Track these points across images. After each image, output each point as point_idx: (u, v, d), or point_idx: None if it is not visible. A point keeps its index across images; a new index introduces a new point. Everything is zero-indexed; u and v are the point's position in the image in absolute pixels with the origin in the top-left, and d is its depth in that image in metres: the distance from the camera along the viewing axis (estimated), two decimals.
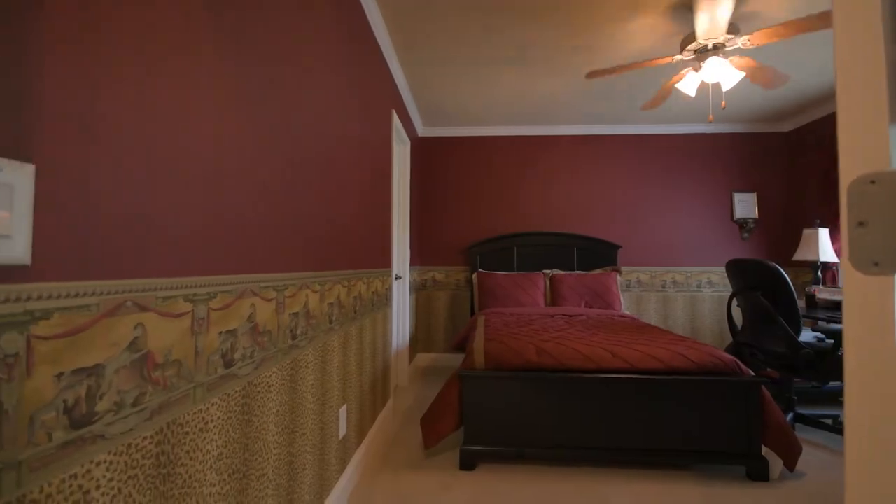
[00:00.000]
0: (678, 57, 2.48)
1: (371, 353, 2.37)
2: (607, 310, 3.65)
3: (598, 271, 3.97)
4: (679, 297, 4.17)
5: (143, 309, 0.72)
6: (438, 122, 4.27)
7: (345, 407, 1.87)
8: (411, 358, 3.99)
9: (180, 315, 0.81)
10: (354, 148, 2.07)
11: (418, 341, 4.33)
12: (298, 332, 1.37)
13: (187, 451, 0.84)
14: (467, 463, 2.13)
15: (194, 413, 0.86)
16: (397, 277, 3.36)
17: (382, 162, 2.70)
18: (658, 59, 2.46)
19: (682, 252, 4.20)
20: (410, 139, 3.75)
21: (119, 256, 0.68)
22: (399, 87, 3.25)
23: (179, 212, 0.82)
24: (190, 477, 0.85)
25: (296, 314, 1.35)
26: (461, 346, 3.53)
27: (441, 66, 3.06)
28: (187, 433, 0.84)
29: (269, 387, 1.18)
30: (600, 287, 3.82)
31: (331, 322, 1.69)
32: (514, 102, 3.71)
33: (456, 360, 4.32)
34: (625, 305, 4.20)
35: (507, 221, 4.35)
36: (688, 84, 2.47)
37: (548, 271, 4.08)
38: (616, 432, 2.12)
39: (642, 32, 2.63)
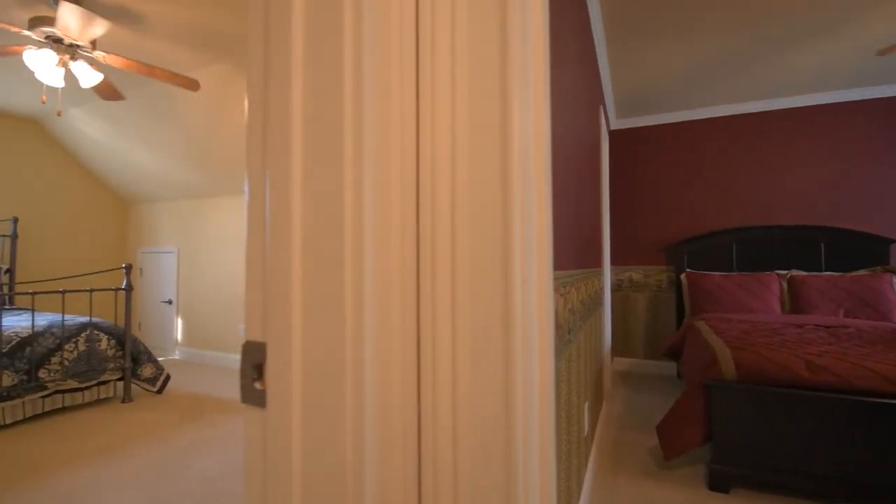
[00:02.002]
0: None
1: (594, 353, 2.34)
2: (884, 321, 2.87)
3: (861, 272, 3.16)
4: None
5: (555, 290, 0.86)
6: (634, 113, 4.00)
7: (587, 403, 1.88)
8: (610, 362, 3.82)
9: (562, 296, 0.94)
10: (585, 150, 2.08)
11: (615, 345, 4.12)
12: (572, 327, 1.43)
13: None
14: (719, 484, 1.93)
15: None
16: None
17: (596, 161, 2.65)
18: None
19: None
20: (607, 134, 3.61)
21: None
22: (601, 79, 3.15)
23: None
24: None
25: (570, 310, 1.41)
26: (673, 353, 3.23)
27: (653, 45, 2.85)
28: (560, 381, 0.96)
29: (564, 372, 1.26)
30: (867, 292, 3.03)
31: (580, 318, 1.72)
32: (736, 77, 3.23)
33: (658, 367, 3.97)
34: None
35: (720, 215, 3.81)
36: None
37: (783, 272, 3.43)
38: None
39: None
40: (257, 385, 0.43)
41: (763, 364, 1.93)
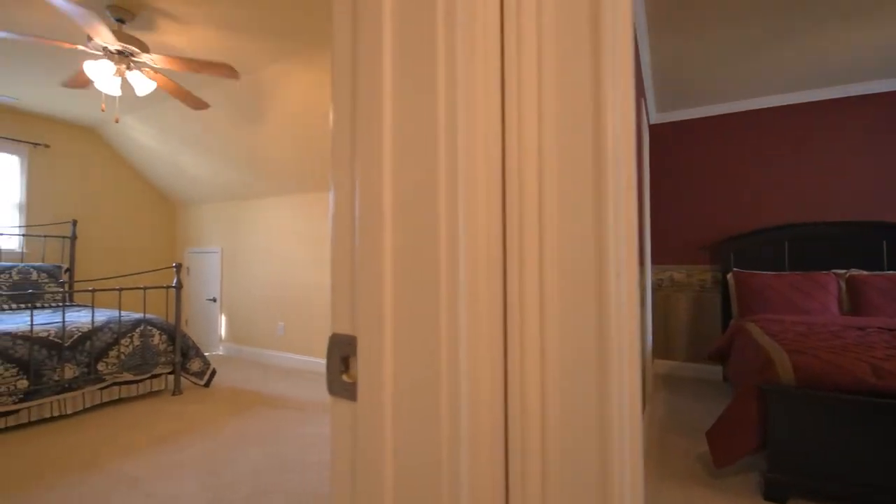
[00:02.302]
0: None
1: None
2: None
3: None
4: None
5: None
6: (676, 106, 3.86)
7: None
8: (651, 364, 3.70)
9: None
10: None
11: (655, 346, 4.00)
12: None
13: None
14: (776, 495, 1.83)
15: None
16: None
17: (638, 157, 2.57)
18: None
19: None
20: (647, 128, 3.50)
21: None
22: (642, 71, 3.05)
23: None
24: None
25: None
26: (720, 356, 3.11)
27: (697, 32, 2.74)
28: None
29: None
30: None
31: None
32: (787, 65, 3.06)
33: (701, 370, 3.82)
34: None
35: (769, 211, 3.63)
36: None
37: (841, 271, 3.23)
38: None
39: None
40: (345, 377, 0.44)
41: (825, 368, 1.82)
